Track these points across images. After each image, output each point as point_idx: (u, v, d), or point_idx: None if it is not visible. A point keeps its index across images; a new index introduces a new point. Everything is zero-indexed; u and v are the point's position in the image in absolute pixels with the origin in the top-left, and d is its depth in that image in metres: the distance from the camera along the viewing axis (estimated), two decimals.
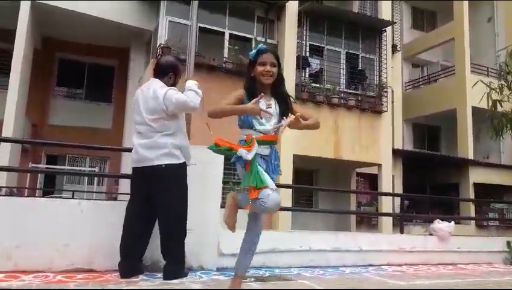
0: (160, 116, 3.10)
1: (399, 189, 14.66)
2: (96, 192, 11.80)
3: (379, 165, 12.17)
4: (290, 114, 2.58)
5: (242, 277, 2.68)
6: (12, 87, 10.07)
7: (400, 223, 5.61)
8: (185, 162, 3.20)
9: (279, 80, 2.69)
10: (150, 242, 3.28)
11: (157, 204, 3.12)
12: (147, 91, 3.20)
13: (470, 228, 14.85)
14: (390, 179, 12.55)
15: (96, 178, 12.68)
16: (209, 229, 3.73)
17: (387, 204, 12.42)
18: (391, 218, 12.25)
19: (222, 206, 3.87)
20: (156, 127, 3.11)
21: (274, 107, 2.66)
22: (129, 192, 3.38)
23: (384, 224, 11.98)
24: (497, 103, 6.17)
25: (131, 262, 3.15)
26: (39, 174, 11.58)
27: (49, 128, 12.82)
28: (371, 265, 4.48)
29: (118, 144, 12.32)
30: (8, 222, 3.15)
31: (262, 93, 2.55)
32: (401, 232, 5.40)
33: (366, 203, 14.53)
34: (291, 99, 2.75)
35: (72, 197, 10.39)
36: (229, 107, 2.52)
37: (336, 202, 12.95)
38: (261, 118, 2.56)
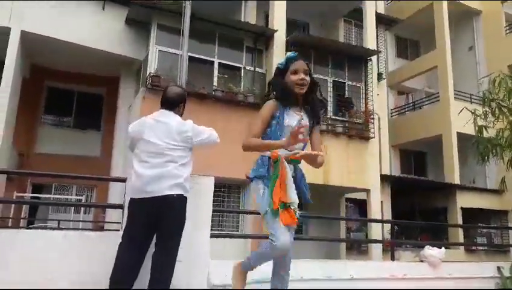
0: (180, 147, 3.14)
1: (388, 214, 14.71)
2: (82, 221, 11.57)
3: (367, 191, 12.23)
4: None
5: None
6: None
7: (391, 250, 5.59)
8: (187, 197, 3.21)
9: (311, 86, 2.52)
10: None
11: (159, 233, 3.08)
12: (165, 122, 3.20)
13: (459, 252, 14.89)
14: (379, 204, 12.58)
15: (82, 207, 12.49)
16: (199, 260, 3.66)
17: (376, 230, 12.41)
18: (381, 244, 12.26)
19: (212, 236, 3.84)
20: (174, 156, 3.11)
21: (305, 119, 2.50)
22: (116, 220, 3.32)
23: (374, 250, 11.93)
24: (483, 128, 6.33)
25: None
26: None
27: (36, 156, 12.66)
28: None
29: (106, 172, 12.23)
30: None
31: (301, 121, 2.40)
32: (392, 259, 5.39)
33: (356, 228, 14.52)
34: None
35: (58, 227, 10.19)
36: (264, 144, 2.37)
37: (326, 228, 12.91)
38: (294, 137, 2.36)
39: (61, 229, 9.98)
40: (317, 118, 2.47)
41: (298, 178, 2.44)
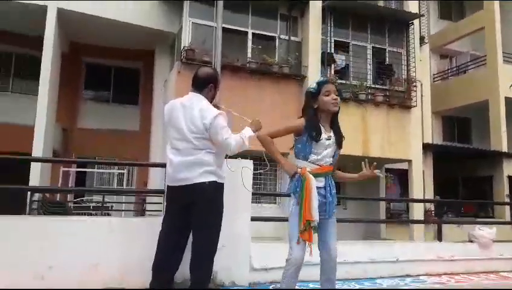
0: (203, 136, 3.00)
1: (430, 184, 14.30)
2: (125, 193, 11.85)
3: (409, 161, 11.86)
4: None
5: None
6: (42, 93, 10.26)
7: (438, 230, 5.37)
8: (223, 183, 3.11)
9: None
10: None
11: (194, 221, 3.02)
12: (190, 108, 3.06)
13: (504, 227, 14.35)
14: (420, 174, 12.20)
15: (125, 179, 12.89)
16: (241, 244, 3.66)
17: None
18: (422, 213, 11.98)
19: (252, 219, 3.81)
20: (199, 145, 2.99)
21: (332, 138, 2.75)
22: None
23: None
24: None
25: (163, 281, 3.09)
26: (70, 176, 11.80)
27: (78, 131, 13.07)
28: (408, 275, 4.32)
29: (145, 146, 12.49)
30: (40, 242, 3.16)
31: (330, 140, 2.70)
32: (439, 239, 5.19)
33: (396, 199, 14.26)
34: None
35: (103, 200, 10.56)
36: (274, 150, 2.67)
37: (365, 201, 12.70)
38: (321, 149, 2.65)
39: (107, 211, 10.33)
40: (340, 143, 2.77)
41: (327, 190, 2.65)
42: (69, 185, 11.87)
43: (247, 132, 3.12)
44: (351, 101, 11.08)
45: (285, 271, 2.51)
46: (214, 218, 3.06)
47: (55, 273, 3.12)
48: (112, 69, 13.99)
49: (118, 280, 3.29)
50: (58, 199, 10.16)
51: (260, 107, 10.41)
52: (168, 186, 3.17)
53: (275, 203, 11.31)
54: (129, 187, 12.92)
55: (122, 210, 10.78)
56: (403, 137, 11.61)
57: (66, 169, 11.60)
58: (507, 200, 15.24)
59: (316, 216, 2.46)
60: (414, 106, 11.80)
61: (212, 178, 3.00)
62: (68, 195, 10.84)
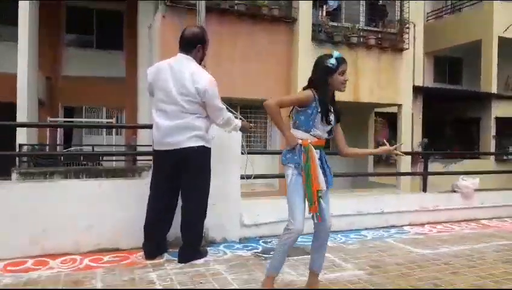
0: (195, 100, 2.98)
1: (418, 126, 14.44)
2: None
3: (399, 106, 11.85)
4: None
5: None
6: (22, 41, 9.85)
7: (423, 181, 5.50)
8: (210, 148, 3.17)
9: None
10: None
11: (183, 185, 3.09)
12: (180, 70, 3.00)
13: (488, 162, 14.77)
14: (409, 118, 12.26)
15: (114, 128, 12.78)
16: (231, 202, 3.73)
17: (406, 143, 12.25)
18: (409, 158, 12.18)
19: (242, 178, 3.84)
20: (189, 108, 2.98)
21: (333, 116, 2.72)
22: (148, 143, 3.27)
23: (403, 163, 11.88)
24: None
25: (155, 242, 3.19)
26: (58, 128, 11.66)
27: (63, 79, 12.76)
28: (393, 226, 4.48)
29: (132, 92, 12.30)
30: (32, 206, 3.17)
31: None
32: (424, 190, 5.33)
33: (384, 143, 14.43)
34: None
35: (93, 150, 10.55)
36: (280, 121, 2.51)
37: (354, 142, 12.83)
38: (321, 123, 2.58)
39: (98, 161, 10.28)
40: (338, 118, 2.72)
41: (323, 161, 2.64)
42: (57, 139, 11.78)
43: (238, 121, 3.28)
44: (343, 45, 10.81)
45: (285, 239, 2.44)
46: (203, 181, 3.15)
47: (49, 237, 3.17)
48: (94, 12, 13.38)
49: (111, 241, 3.36)
50: (47, 150, 10.11)
51: (249, 55, 10.15)
52: (155, 150, 3.17)
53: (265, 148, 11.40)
54: (118, 136, 12.86)
55: (113, 160, 10.81)
56: (394, 81, 11.51)
57: (54, 119, 11.46)
58: (493, 141, 15.59)
59: (324, 186, 2.47)
60: (406, 49, 11.59)
61: (200, 143, 3.04)
62: (58, 146, 10.78)
